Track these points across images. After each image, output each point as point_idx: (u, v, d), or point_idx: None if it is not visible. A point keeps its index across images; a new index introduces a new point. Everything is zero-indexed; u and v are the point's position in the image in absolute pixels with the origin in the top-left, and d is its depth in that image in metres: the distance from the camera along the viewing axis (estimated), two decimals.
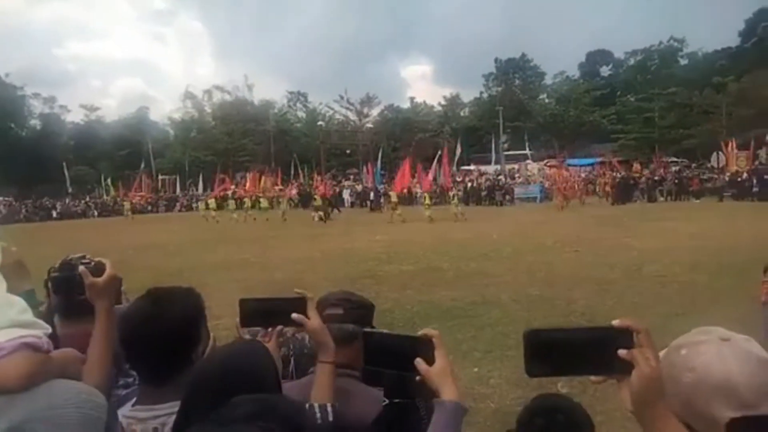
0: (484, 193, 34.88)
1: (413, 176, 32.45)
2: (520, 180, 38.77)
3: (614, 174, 33.87)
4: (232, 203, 31.88)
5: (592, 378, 0.88)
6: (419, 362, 1.07)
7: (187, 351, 1.34)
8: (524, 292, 8.28)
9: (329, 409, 1.29)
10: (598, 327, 0.88)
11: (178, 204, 46.41)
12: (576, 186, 31.05)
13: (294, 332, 1.70)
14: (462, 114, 65.11)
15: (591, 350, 0.85)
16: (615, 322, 0.86)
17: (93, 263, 1.46)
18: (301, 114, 67.46)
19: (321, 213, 26.83)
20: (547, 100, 60.50)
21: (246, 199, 32.96)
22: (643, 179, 31.77)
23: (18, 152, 52.38)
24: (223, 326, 3.85)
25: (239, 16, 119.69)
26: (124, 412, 1.32)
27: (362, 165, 43.46)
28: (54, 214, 43.31)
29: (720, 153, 33.68)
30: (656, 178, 31.86)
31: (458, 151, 47.59)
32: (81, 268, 1.41)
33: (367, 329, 1.22)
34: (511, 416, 1.56)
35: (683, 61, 55.49)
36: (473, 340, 6.08)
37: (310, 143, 51.38)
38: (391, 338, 1.14)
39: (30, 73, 79.93)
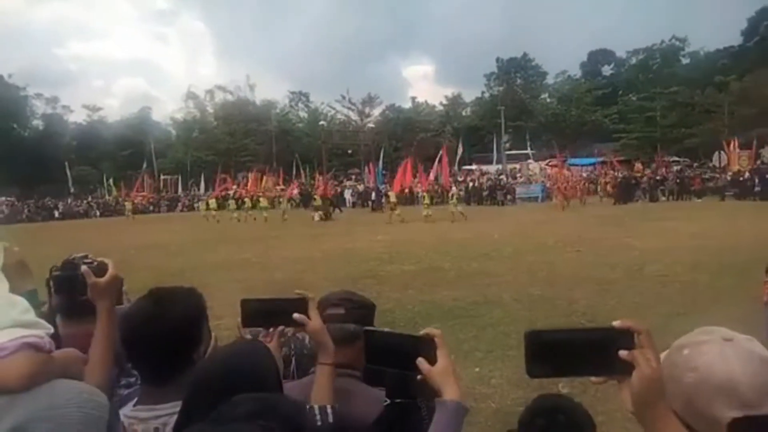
0: (485, 193, 34.86)
1: (414, 176, 32.45)
2: (522, 180, 38.74)
3: (616, 173, 33.83)
4: (232, 203, 31.94)
5: (593, 379, 0.88)
6: (421, 362, 1.07)
7: (189, 351, 1.34)
8: (526, 292, 8.27)
9: (329, 410, 1.29)
10: (598, 328, 0.88)
11: (179, 204, 46.48)
12: (577, 186, 31.02)
13: (294, 332, 1.70)
14: (463, 114, 65.09)
15: (592, 351, 0.85)
16: (616, 323, 0.86)
17: (95, 263, 1.46)
18: (302, 114, 67.58)
19: (322, 213, 26.86)
20: (548, 100, 60.48)
21: (246, 199, 33.02)
22: (645, 179, 31.71)
23: (20, 152, 52.52)
24: (224, 326, 3.86)
25: (241, 16, 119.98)
26: (126, 411, 1.32)
27: (364, 165, 43.47)
28: (56, 214, 43.40)
29: (722, 152, 33.63)
30: (658, 177, 31.80)
31: (460, 150, 47.61)
32: (83, 267, 1.42)
33: (369, 328, 1.22)
34: (513, 416, 1.56)
35: (685, 60, 55.37)
36: (475, 340, 6.08)
37: (312, 143, 51.42)
38: (393, 337, 1.14)
39: (32, 74, 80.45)
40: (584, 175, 37.39)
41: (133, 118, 64.72)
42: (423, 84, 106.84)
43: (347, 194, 39.88)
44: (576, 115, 53.74)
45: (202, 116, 64.35)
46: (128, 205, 37.14)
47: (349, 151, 48.45)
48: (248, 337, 1.63)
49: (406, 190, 32.14)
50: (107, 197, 49.24)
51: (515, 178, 39.56)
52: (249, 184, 39.48)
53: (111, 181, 49.75)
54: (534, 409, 1.49)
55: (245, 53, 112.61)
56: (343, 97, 58.94)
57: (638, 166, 35.91)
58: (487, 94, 63.63)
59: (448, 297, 8.22)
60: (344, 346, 1.45)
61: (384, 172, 38.59)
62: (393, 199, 24.40)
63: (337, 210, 31.08)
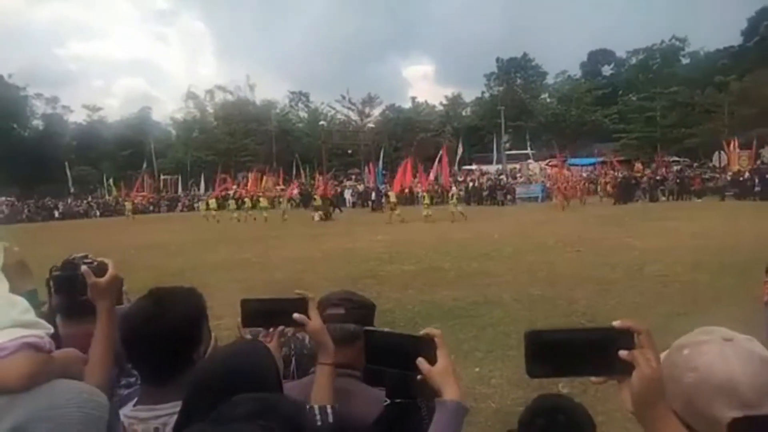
0: (485, 193, 34.86)
1: (414, 176, 32.46)
2: (522, 180, 38.75)
3: (616, 173, 33.83)
4: (232, 203, 31.95)
5: (593, 379, 0.88)
6: (421, 362, 1.07)
7: (189, 351, 1.34)
8: (526, 292, 8.27)
9: (329, 410, 1.29)
10: (598, 328, 0.88)
11: (179, 204, 46.49)
12: (577, 186, 31.02)
13: (294, 332, 1.70)
14: (463, 114, 65.10)
15: (592, 351, 0.85)
16: (616, 323, 0.86)
17: (96, 263, 1.46)
18: (302, 114, 67.60)
19: (322, 212, 26.87)
20: (548, 100, 60.49)
21: (246, 199, 33.03)
22: (645, 179, 31.72)
23: (20, 152, 52.54)
24: (224, 326, 3.86)
25: (241, 16, 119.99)
26: (126, 412, 1.32)
27: (364, 165, 43.48)
28: (56, 214, 43.42)
29: (722, 152, 33.61)
30: (658, 177, 31.80)
31: (460, 150, 47.61)
32: (84, 267, 1.42)
33: (369, 328, 1.22)
34: (513, 416, 1.56)
35: (685, 60, 55.38)
36: (475, 340, 6.08)
37: (312, 143, 51.43)
38: (393, 337, 1.14)
39: (32, 74, 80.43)
40: (584, 175, 37.39)
41: (133, 118, 64.74)
42: (423, 84, 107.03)
43: (347, 194, 39.88)
44: (576, 115, 53.74)
45: (202, 116, 64.36)
46: (128, 205, 37.15)
47: (349, 151, 48.46)
48: (248, 337, 1.63)
49: (406, 190, 32.14)
50: (107, 197, 49.25)
51: (515, 178, 39.56)
52: (249, 184, 39.49)
53: (111, 181, 49.76)
54: (534, 409, 1.49)
55: (245, 53, 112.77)
56: (343, 97, 59.04)
57: (638, 166, 35.91)
58: (487, 94, 63.67)
59: (448, 297, 8.22)
60: (344, 346, 1.45)
61: (384, 172, 38.60)
62: (393, 199, 24.42)
63: (337, 210, 31.10)
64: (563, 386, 3.77)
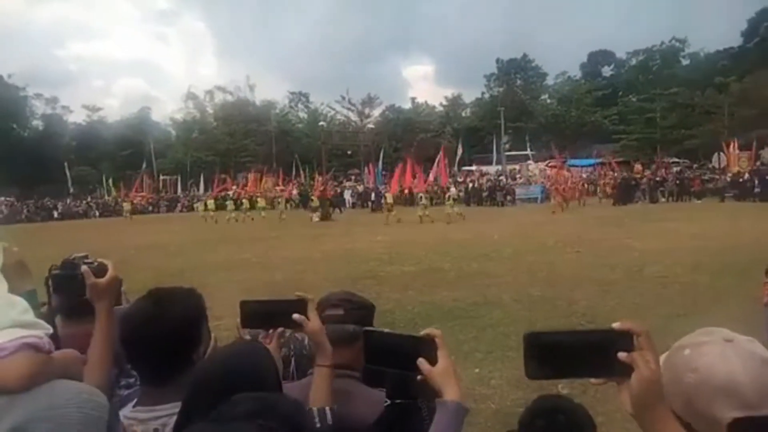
0: (485, 194, 34.88)
1: (414, 176, 32.48)
2: (522, 180, 38.74)
3: (615, 174, 33.84)
4: (231, 204, 31.97)
5: (593, 380, 0.88)
6: (422, 362, 1.07)
7: (188, 351, 1.34)
8: (525, 293, 8.27)
9: (328, 412, 1.29)
10: (598, 330, 0.87)
11: (179, 204, 46.48)
12: (576, 187, 31.02)
13: (293, 332, 1.70)
14: (463, 114, 65.13)
15: (591, 353, 0.85)
16: (615, 325, 0.86)
17: (96, 263, 1.46)
18: (302, 114, 67.56)
19: (320, 213, 26.88)
20: (548, 101, 60.52)
21: (244, 200, 33.03)
22: (645, 180, 31.74)
23: (20, 153, 52.55)
24: (224, 327, 3.85)
25: (241, 16, 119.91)
26: (126, 412, 1.32)
27: (364, 165, 43.54)
28: (55, 214, 43.39)
29: (722, 153, 33.61)
30: (658, 178, 31.80)
31: (459, 151, 47.61)
32: (83, 268, 1.42)
33: (369, 328, 1.22)
34: (512, 417, 1.56)
35: (685, 62, 55.44)
36: (475, 341, 6.08)
37: (312, 144, 51.46)
38: (393, 337, 1.14)
39: (32, 74, 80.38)
40: (584, 176, 37.39)
41: (133, 118, 64.72)
42: (423, 84, 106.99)
43: (347, 195, 39.88)
44: (576, 116, 53.77)
45: (202, 117, 64.37)
46: (126, 206, 37.12)
47: (349, 152, 48.53)
48: (247, 337, 1.62)
49: (405, 191, 32.14)
50: (107, 197, 49.21)
51: (515, 179, 39.56)
52: (248, 184, 39.51)
53: (110, 181, 49.72)
54: (534, 409, 1.48)
55: (245, 53, 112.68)
56: (343, 98, 59.09)
57: (638, 167, 35.91)
58: (487, 95, 63.68)
59: (448, 298, 8.22)
60: (343, 346, 1.45)
61: (384, 172, 38.64)
62: (390, 200, 24.48)
63: (337, 210, 31.10)
64: (563, 387, 3.77)
